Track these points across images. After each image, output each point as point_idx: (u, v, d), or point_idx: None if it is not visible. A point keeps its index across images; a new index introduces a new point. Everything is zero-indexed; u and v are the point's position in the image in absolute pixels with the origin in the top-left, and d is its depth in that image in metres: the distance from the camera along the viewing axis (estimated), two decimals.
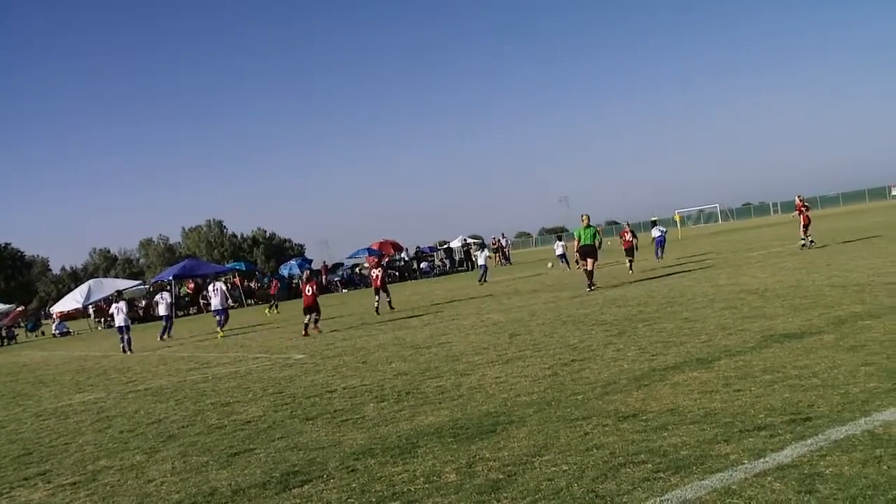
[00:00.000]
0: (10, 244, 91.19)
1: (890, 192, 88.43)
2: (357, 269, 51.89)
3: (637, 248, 24.45)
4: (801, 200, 24.82)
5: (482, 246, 35.70)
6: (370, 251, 53.12)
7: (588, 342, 10.22)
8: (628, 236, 24.50)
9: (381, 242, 54.33)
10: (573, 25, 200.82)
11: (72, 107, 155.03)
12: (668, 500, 4.16)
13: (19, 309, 49.91)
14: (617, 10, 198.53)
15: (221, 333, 21.13)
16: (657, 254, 27.98)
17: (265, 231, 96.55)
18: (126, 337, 20.10)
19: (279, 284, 35.38)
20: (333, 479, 5.46)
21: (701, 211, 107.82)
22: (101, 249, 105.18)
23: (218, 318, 21.76)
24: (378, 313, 20.99)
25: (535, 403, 6.88)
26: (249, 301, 44.61)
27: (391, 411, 7.48)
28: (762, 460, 4.57)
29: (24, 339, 42.48)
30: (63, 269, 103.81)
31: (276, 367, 12.34)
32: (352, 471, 5.59)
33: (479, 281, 30.06)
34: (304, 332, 17.54)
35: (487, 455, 5.47)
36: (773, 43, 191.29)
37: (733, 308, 11.64)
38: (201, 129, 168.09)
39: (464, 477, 5.07)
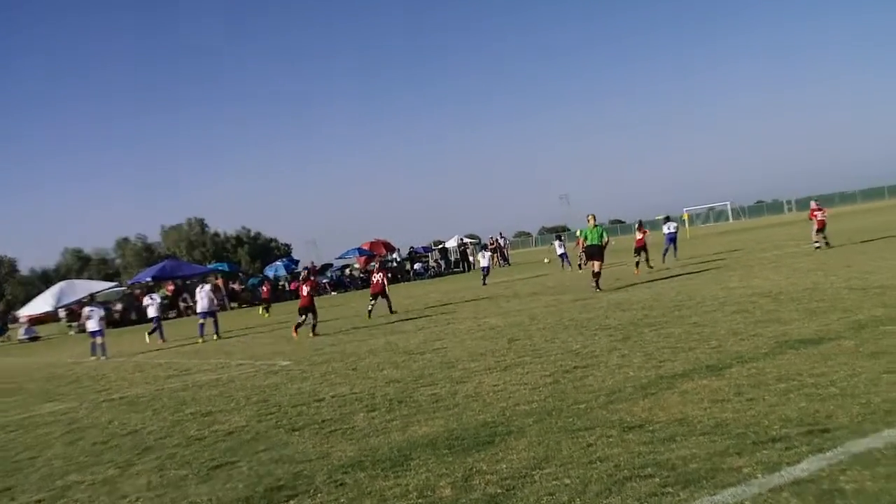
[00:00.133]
0: None
1: None
2: (347, 271, 51.91)
3: (647, 249, 24.67)
4: (816, 205, 25.04)
5: (484, 246, 35.81)
6: (361, 251, 53.20)
7: (591, 348, 10.20)
8: (639, 234, 24.89)
9: (372, 242, 54.37)
10: (575, 14, 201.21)
11: (41, 99, 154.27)
12: None
13: None
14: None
15: (216, 337, 21.44)
16: (664, 253, 28.07)
17: (249, 230, 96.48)
18: (100, 342, 20.06)
19: (270, 286, 35.29)
20: (321, 493, 5.43)
21: (711, 209, 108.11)
22: (73, 249, 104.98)
23: (203, 321, 21.83)
24: (370, 317, 21.07)
25: (535, 413, 6.86)
26: (233, 304, 44.56)
27: (382, 421, 7.45)
28: (777, 474, 4.55)
29: None
30: (32, 269, 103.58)
31: (261, 375, 12.31)
32: (340, 485, 5.56)
33: (485, 281, 30.64)
34: (295, 333, 17.96)
35: (485, 468, 5.45)
36: (789, 31, 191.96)
37: (745, 312, 11.65)
38: (181, 122, 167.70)
39: (459, 491, 5.04)
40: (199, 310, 22.16)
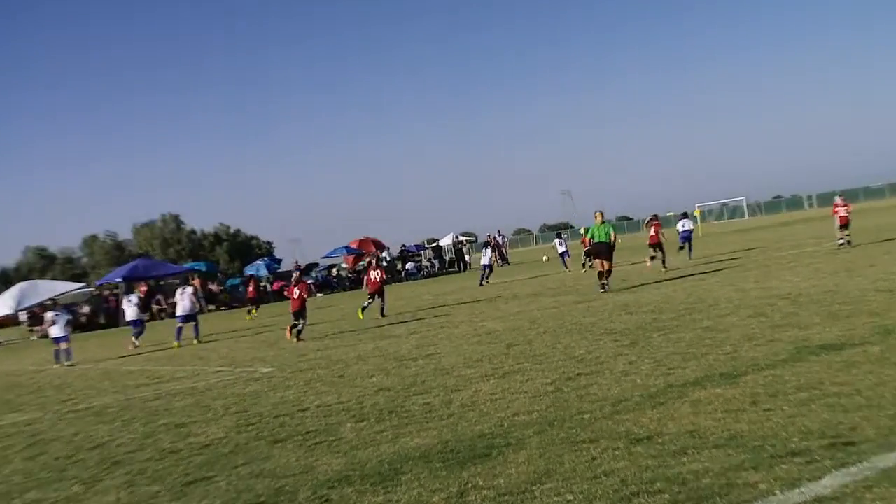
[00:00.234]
0: None
1: None
2: (334, 271, 51.87)
3: (663, 248, 24.82)
4: (841, 200, 25.06)
5: (486, 243, 36.03)
6: (349, 250, 53.19)
7: (596, 354, 10.21)
8: (653, 230, 25.07)
9: (361, 240, 54.36)
10: None
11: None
12: None
13: None
14: None
15: (196, 341, 21.45)
16: (686, 250, 28.20)
17: (228, 227, 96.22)
18: (64, 348, 20.00)
19: (256, 286, 35.20)
20: None
21: (724, 205, 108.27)
22: (36, 247, 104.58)
23: (182, 325, 21.88)
24: (362, 316, 21.30)
25: (535, 423, 6.86)
26: (210, 307, 44.45)
27: (371, 432, 7.44)
28: (797, 491, 4.54)
29: None
30: None
31: (240, 382, 12.29)
32: (326, 501, 5.55)
33: (483, 282, 30.88)
34: (289, 334, 18.14)
35: (481, 483, 5.44)
36: (812, 13, 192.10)
37: (762, 315, 11.67)
38: (155, 112, 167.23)
39: None
40: (179, 312, 22.13)
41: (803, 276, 16.84)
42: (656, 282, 20.41)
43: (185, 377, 14.03)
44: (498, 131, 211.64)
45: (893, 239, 24.61)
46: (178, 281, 45.41)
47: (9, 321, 45.48)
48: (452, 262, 54.65)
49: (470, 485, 5.44)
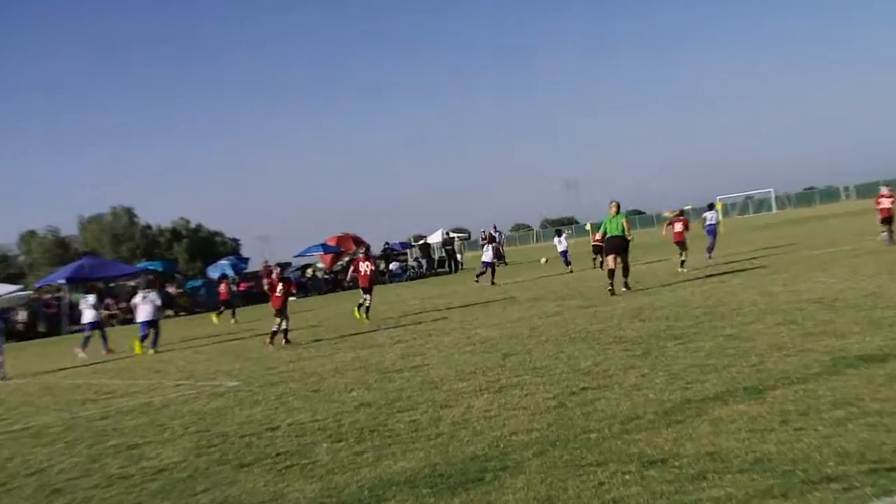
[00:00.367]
0: None
1: None
2: (309, 271, 51.84)
3: (686, 246, 25.02)
4: (888, 190, 25.04)
5: (490, 238, 36.34)
6: (326, 248, 53.16)
7: (604, 365, 10.22)
8: (679, 226, 25.37)
9: (339, 237, 54.36)
10: None
11: None
12: None
13: None
14: None
15: (152, 351, 21.48)
16: (710, 248, 28.39)
17: (188, 221, 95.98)
18: None
19: (229, 287, 35.04)
20: None
21: (749, 197, 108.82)
22: None
23: (144, 331, 21.87)
24: (358, 316, 21.72)
25: (535, 444, 6.86)
26: (168, 312, 44.32)
27: (350, 454, 7.43)
28: None
29: None
30: None
31: (202, 398, 12.26)
32: None
33: (492, 280, 30.95)
34: (269, 341, 18.29)
35: None
36: None
37: (792, 322, 11.70)
38: (103, 92, 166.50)
39: None
40: (140, 318, 22.11)
41: (840, 277, 16.90)
42: (671, 283, 20.45)
43: (139, 392, 13.97)
44: (493, 115, 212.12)
45: None
46: (132, 283, 45.35)
47: None
48: (442, 262, 54.71)
49: None
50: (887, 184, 25.80)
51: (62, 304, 42.85)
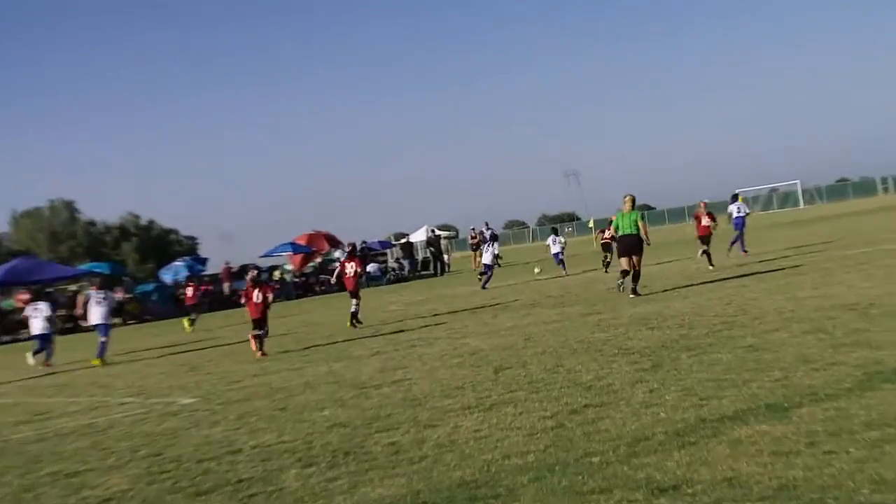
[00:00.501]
0: None
1: None
2: (277, 274, 51.68)
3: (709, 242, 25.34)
4: None
5: (493, 237, 36.48)
6: (296, 248, 53.05)
7: (608, 380, 10.24)
8: (705, 220, 25.65)
9: (310, 234, 54.27)
10: None
11: None
12: None
13: None
14: None
15: (97, 361, 21.43)
16: (741, 242, 28.75)
17: (138, 217, 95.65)
18: None
19: (196, 290, 34.92)
20: None
21: (773, 190, 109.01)
22: None
23: (105, 338, 21.97)
24: (362, 323, 22.07)
25: (530, 468, 6.86)
26: (115, 319, 44.12)
27: (322, 480, 7.42)
28: None
29: None
30: None
31: (153, 418, 12.22)
32: None
33: (482, 286, 31.35)
34: (257, 349, 18.36)
35: None
36: None
37: (821, 331, 11.74)
38: (40, 70, 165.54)
39: None
40: (94, 321, 22.05)
41: (875, 281, 16.94)
42: (683, 286, 20.50)
43: (80, 412, 13.90)
44: (484, 97, 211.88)
45: None
46: (74, 287, 45.13)
47: None
48: (427, 263, 54.70)
49: None
50: None
51: None
